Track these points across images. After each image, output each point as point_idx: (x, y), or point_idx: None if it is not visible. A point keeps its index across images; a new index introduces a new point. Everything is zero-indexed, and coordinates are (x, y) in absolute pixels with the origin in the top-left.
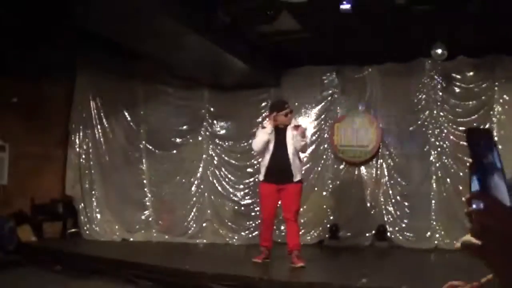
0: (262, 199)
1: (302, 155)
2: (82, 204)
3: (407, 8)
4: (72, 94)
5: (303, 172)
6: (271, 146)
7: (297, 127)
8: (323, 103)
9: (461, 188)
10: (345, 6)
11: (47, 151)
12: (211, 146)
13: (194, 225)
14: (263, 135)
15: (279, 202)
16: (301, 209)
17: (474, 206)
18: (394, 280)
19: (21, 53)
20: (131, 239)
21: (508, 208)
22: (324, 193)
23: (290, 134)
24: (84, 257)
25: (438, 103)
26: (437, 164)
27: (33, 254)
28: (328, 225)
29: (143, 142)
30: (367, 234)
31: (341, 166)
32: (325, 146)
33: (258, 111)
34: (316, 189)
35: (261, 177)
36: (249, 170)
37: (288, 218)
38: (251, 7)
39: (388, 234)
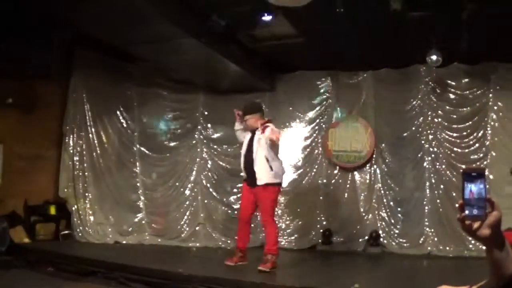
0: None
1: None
2: (75, 206)
3: (402, 14)
4: (66, 95)
5: (278, 179)
6: (243, 149)
7: (264, 129)
8: (317, 108)
9: (454, 194)
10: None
11: (40, 152)
12: (205, 149)
13: (187, 229)
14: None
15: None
16: (295, 214)
17: (466, 212)
18: (386, 286)
19: (16, 54)
20: (124, 242)
21: None
22: (318, 198)
23: (257, 138)
24: (76, 259)
25: (433, 109)
26: (431, 170)
27: (26, 255)
28: (321, 230)
29: (137, 144)
30: (360, 240)
31: (335, 171)
32: (319, 151)
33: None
34: (309, 194)
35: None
36: (242, 174)
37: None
38: (246, 11)
39: (381, 239)
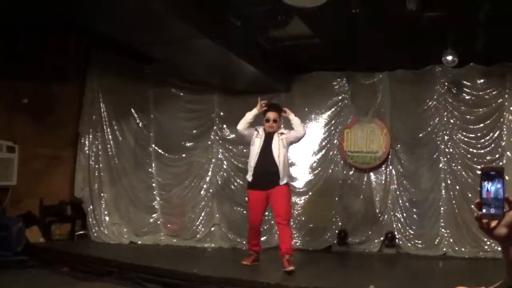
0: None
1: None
2: (91, 206)
3: (418, 15)
4: (83, 96)
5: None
6: (257, 151)
7: (283, 134)
8: (333, 109)
9: (470, 195)
10: None
11: (56, 152)
12: (220, 150)
13: (203, 229)
14: (247, 115)
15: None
16: (310, 215)
17: (483, 211)
18: (402, 287)
19: (32, 55)
20: (139, 242)
21: None
22: (333, 198)
23: (276, 138)
24: (92, 259)
25: (448, 110)
26: (447, 171)
27: (41, 255)
28: (337, 231)
29: (153, 145)
30: (375, 241)
31: (351, 172)
32: (335, 151)
33: None
34: (325, 194)
35: (249, 184)
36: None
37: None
38: (262, 11)
39: (397, 240)
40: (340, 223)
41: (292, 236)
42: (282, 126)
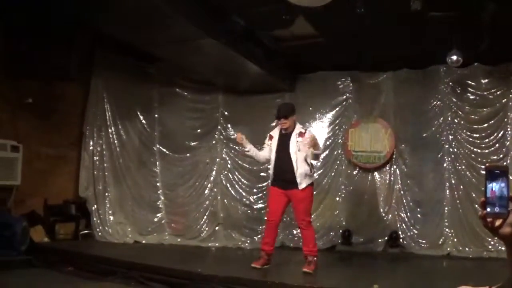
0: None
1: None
2: (95, 206)
3: (423, 15)
4: (87, 96)
5: (315, 177)
6: (273, 152)
7: (302, 134)
8: (337, 109)
9: (474, 195)
10: None
11: (61, 152)
12: (224, 149)
13: (207, 229)
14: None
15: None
16: (314, 214)
17: (488, 209)
18: (405, 286)
19: (36, 54)
20: (144, 242)
21: None
22: (337, 198)
23: (294, 140)
24: (96, 259)
25: (453, 110)
26: (451, 171)
27: (45, 255)
28: (341, 231)
29: (157, 144)
30: (379, 240)
31: (355, 172)
32: (339, 151)
33: (272, 115)
34: (329, 194)
35: (270, 181)
36: (262, 174)
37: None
38: (267, 11)
39: (401, 240)
40: (344, 223)
41: (314, 237)
42: (296, 123)
